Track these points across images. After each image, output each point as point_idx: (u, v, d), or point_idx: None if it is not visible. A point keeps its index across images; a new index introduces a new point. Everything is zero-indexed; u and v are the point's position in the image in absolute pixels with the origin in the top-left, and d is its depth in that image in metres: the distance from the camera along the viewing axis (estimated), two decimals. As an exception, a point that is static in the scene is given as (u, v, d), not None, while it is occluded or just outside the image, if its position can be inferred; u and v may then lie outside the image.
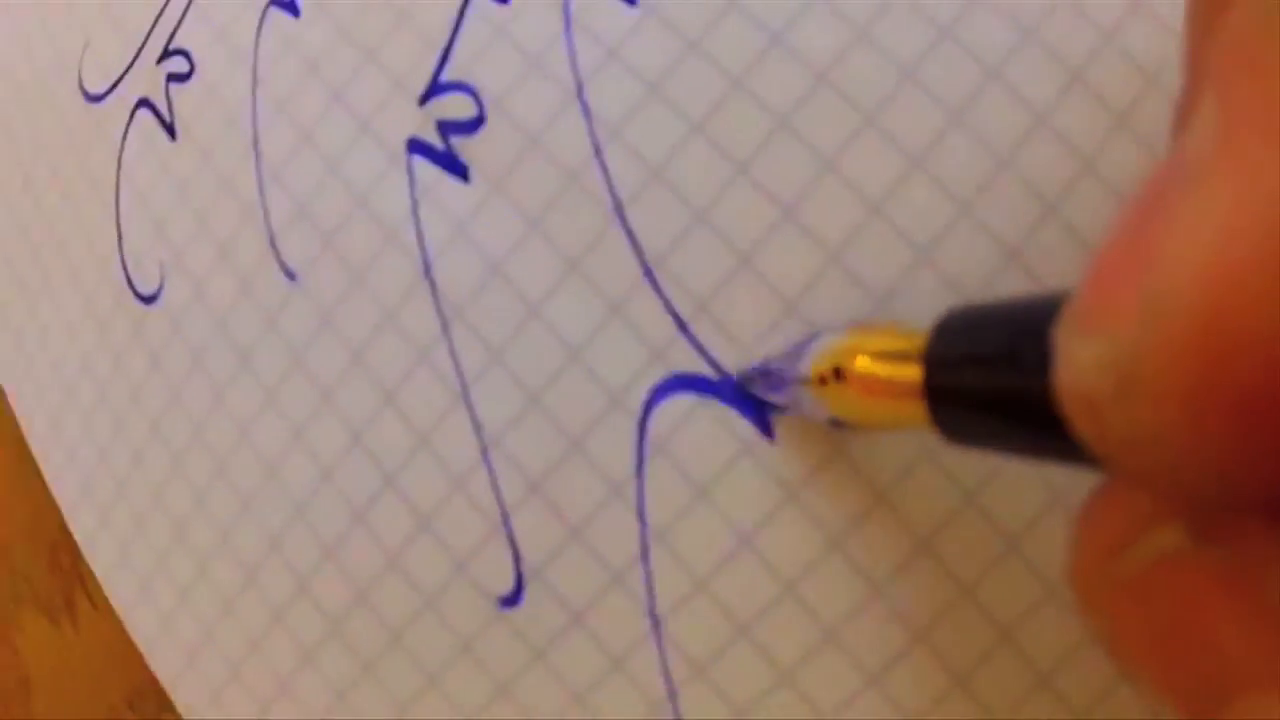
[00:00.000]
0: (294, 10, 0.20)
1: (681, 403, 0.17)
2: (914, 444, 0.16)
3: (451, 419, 0.17)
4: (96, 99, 0.22)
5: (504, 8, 0.18)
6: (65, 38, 0.22)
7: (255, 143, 0.19)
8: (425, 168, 0.18)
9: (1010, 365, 0.12)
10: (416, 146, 0.18)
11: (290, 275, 0.19)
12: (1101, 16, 0.17)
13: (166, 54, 0.21)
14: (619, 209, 0.17)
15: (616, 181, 0.17)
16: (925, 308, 0.16)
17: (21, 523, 0.23)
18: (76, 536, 0.21)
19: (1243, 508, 0.10)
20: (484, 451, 0.17)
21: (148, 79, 0.21)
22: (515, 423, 0.17)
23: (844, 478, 0.16)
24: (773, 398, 0.16)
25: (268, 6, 0.20)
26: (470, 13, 0.18)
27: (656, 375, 0.17)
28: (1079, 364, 0.10)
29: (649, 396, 0.17)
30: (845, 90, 0.17)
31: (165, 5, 0.21)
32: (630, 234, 0.17)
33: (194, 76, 0.20)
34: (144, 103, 0.21)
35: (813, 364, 0.15)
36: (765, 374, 0.16)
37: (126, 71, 0.21)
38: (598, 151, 0.17)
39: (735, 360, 0.17)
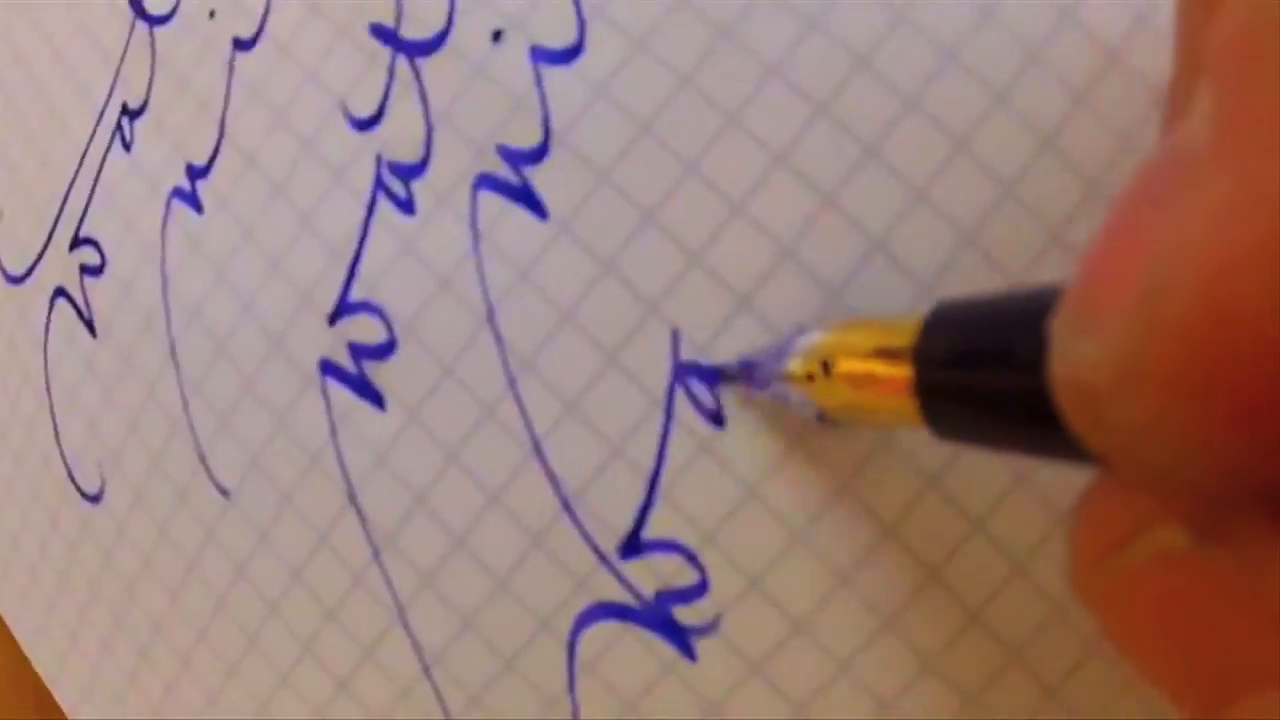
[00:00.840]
0: (197, 206, 0.19)
1: (607, 627, 0.17)
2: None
3: (389, 639, 0.18)
4: (16, 280, 0.21)
5: (410, 220, 0.18)
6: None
7: (173, 351, 0.19)
8: (340, 391, 0.18)
9: (1003, 360, 0.12)
10: (329, 369, 0.18)
11: (224, 492, 0.19)
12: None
13: (77, 242, 0.20)
14: (536, 445, 0.17)
15: (532, 415, 0.17)
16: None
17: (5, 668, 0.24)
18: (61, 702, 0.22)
19: (1243, 501, 0.10)
20: (425, 669, 0.18)
21: (63, 266, 0.21)
22: (451, 642, 0.18)
23: (764, 693, 0.17)
24: (757, 394, 0.17)
25: (170, 198, 0.20)
26: (375, 222, 0.18)
27: (581, 603, 0.17)
28: (1076, 357, 0.10)
29: (575, 623, 0.17)
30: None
31: (72, 183, 0.21)
32: (548, 470, 0.17)
33: (106, 270, 0.20)
34: (61, 292, 0.21)
35: (800, 360, 0.15)
36: (749, 370, 0.16)
37: (41, 254, 0.21)
38: (512, 384, 0.17)
39: (653, 586, 0.17)
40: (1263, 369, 0.08)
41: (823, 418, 0.16)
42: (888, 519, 0.17)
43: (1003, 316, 0.12)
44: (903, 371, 0.13)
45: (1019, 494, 0.16)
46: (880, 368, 0.14)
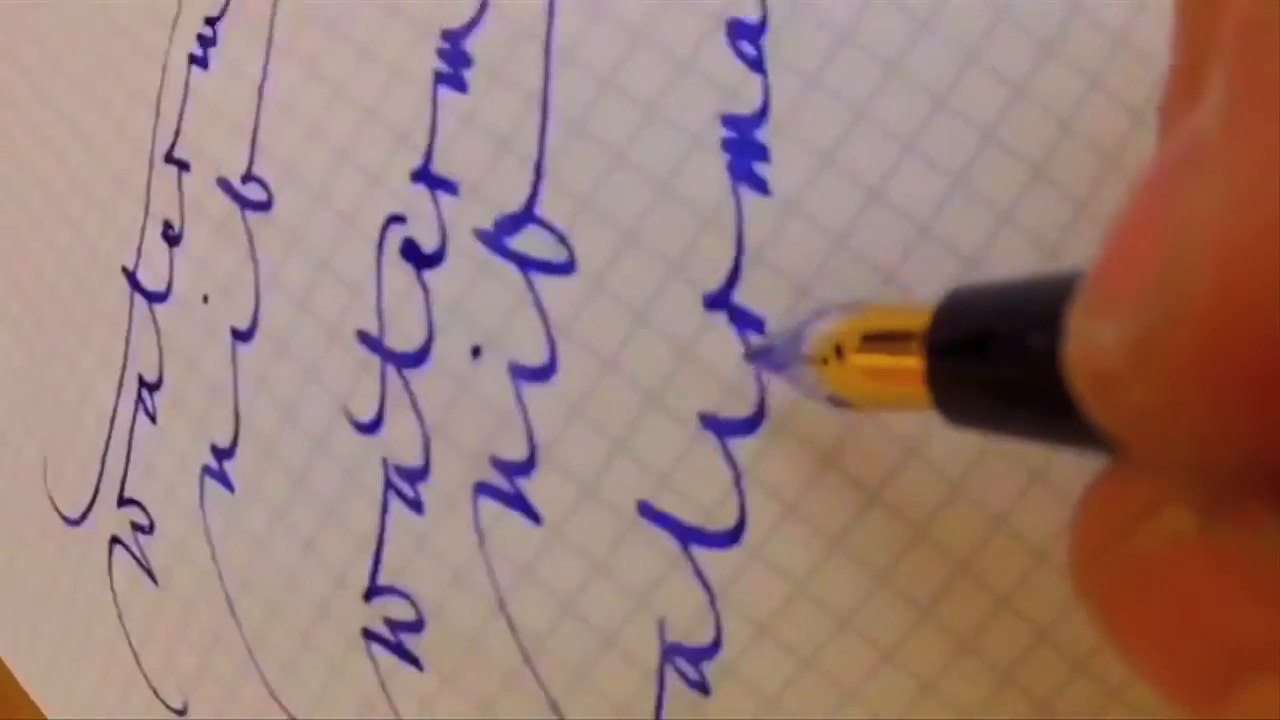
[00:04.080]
0: (228, 485, 0.22)
1: None
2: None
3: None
4: (73, 523, 0.24)
5: (421, 518, 0.20)
6: (28, 451, 0.24)
7: (231, 608, 0.22)
8: (384, 654, 0.21)
9: (1016, 345, 0.12)
10: (371, 636, 0.21)
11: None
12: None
13: (122, 501, 0.23)
14: (554, 707, 0.20)
15: (548, 685, 0.20)
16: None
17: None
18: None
19: (1259, 484, 0.10)
20: None
21: (114, 518, 0.23)
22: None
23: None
24: (778, 375, 0.17)
25: (202, 475, 0.22)
26: (390, 519, 0.21)
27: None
28: (1091, 340, 0.10)
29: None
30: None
31: (107, 446, 0.23)
32: (561, 722, 0.21)
33: (156, 530, 0.23)
34: (117, 540, 0.23)
35: (815, 343, 0.16)
36: (768, 353, 0.17)
37: (91, 506, 0.23)
38: (527, 661, 0.20)
39: None
40: (1277, 350, 0.08)
41: (836, 401, 0.16)
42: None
43: (1016, 302, 0.12)
44: (916, 357, 0.13)
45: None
46: (893, 352, 0.14)
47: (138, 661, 0.24)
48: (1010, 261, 0.18)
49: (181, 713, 0.24)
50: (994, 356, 0.12)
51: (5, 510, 0.25)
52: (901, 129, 0.18)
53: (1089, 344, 0.10)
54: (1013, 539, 0.19)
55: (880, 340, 0.14)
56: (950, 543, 0.19)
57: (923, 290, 0.18)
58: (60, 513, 0.24)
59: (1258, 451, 0.09)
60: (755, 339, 0.18)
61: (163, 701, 0.24)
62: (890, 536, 0.19)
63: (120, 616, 0.24)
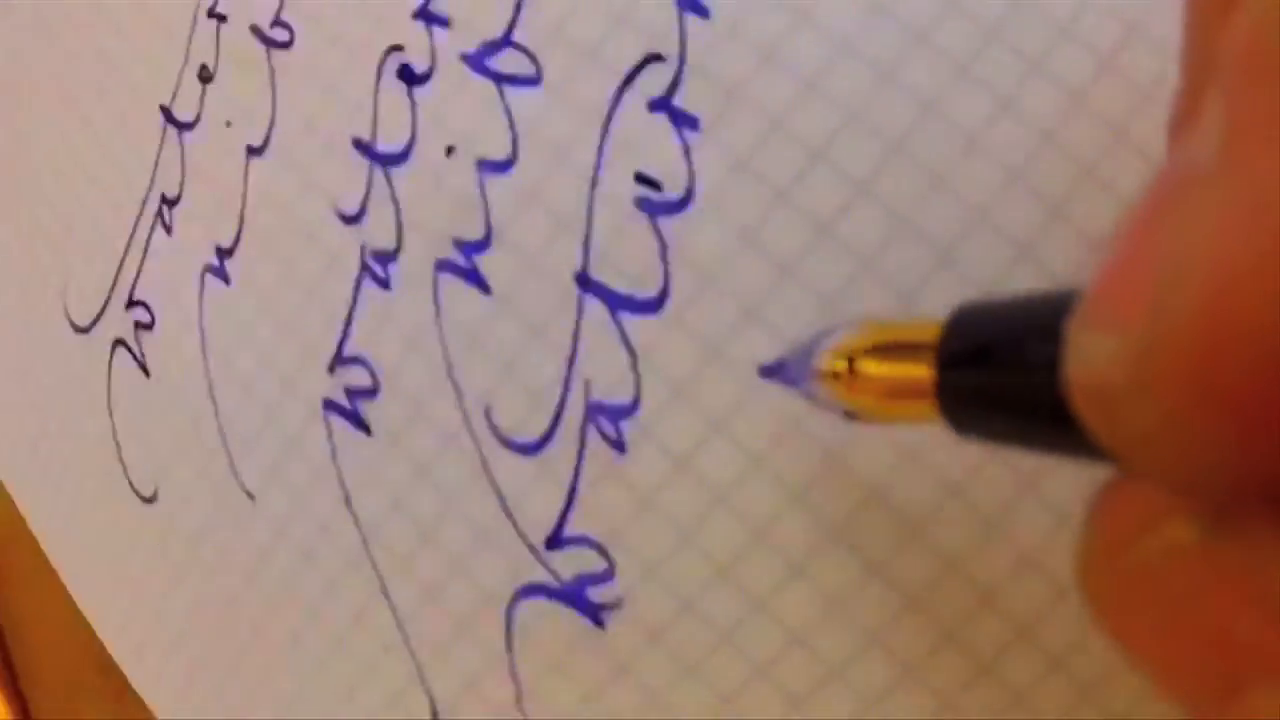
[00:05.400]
0: (225, 279, 0.25)
1: (537, 603, 0.23)
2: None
3: (374, 604, 0.24)
4: (83, 330, 0.27)
5: (388, 294, 0.24)
6: (52, 271, 0.28)
7: (211, 392, 0.25)
8: (339, 421, 0.24)
9: (1021, 361, 0.12)
10: (330, 405, 0.24)
11: (250, 495, 0.25)
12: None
13: (131, 303, 0.26)
14: (484, 465, 0.23)
15: (481, 442, 0.23)
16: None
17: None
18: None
19: (1254, 501, 0.10)
20: (400, 628, 0.24)
21: (121, 321, 0.26)
22: (419, 609, 0.24)
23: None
24: (794, 390, 0.18)
25: (204, 273, 0.25)
26: (362, 295, 0.24)
27: (518, 583, 0.23)
28: (1091, 358, 0.10)
29: (512, 598, 0.23)
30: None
31: (124, 257, 0.26)
32: (493, 482, 0.23)
33: (156, 327, 0.26)
34: (120, 342, 0.26)
35: (826, 359, 0.16)
36: (781, 368, 0.18)
37: (103, 311, 0.27)
38: (466, 421, 0.23)
39: (572, 571, 0.23)
40: (1266, 375, 0.09)
41: (849, 415, 0.17)
42: (761, 522, 0.22)
43: (1022, 318, 0.13)
44: (925, 371, 0.14)
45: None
46: (903, 367, 0.14)
47: (119, 454, 0.27)
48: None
49: (150, 500, 0.26)
50: (1003, 369, 0.13)
51: (23, 332, 0.29)
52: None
53: (1088, 362, 0.10)
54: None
55: (891, 352, 0.15)
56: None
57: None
58: (72, 322, 0.27)
59: (1253, 469, 0.09)
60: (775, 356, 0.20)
61: (136, 491, 0.26)
62: (802, 305, 0.22)
63: (110, 411, 0.27)
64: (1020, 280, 0.21)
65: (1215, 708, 0.10)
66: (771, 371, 0.21)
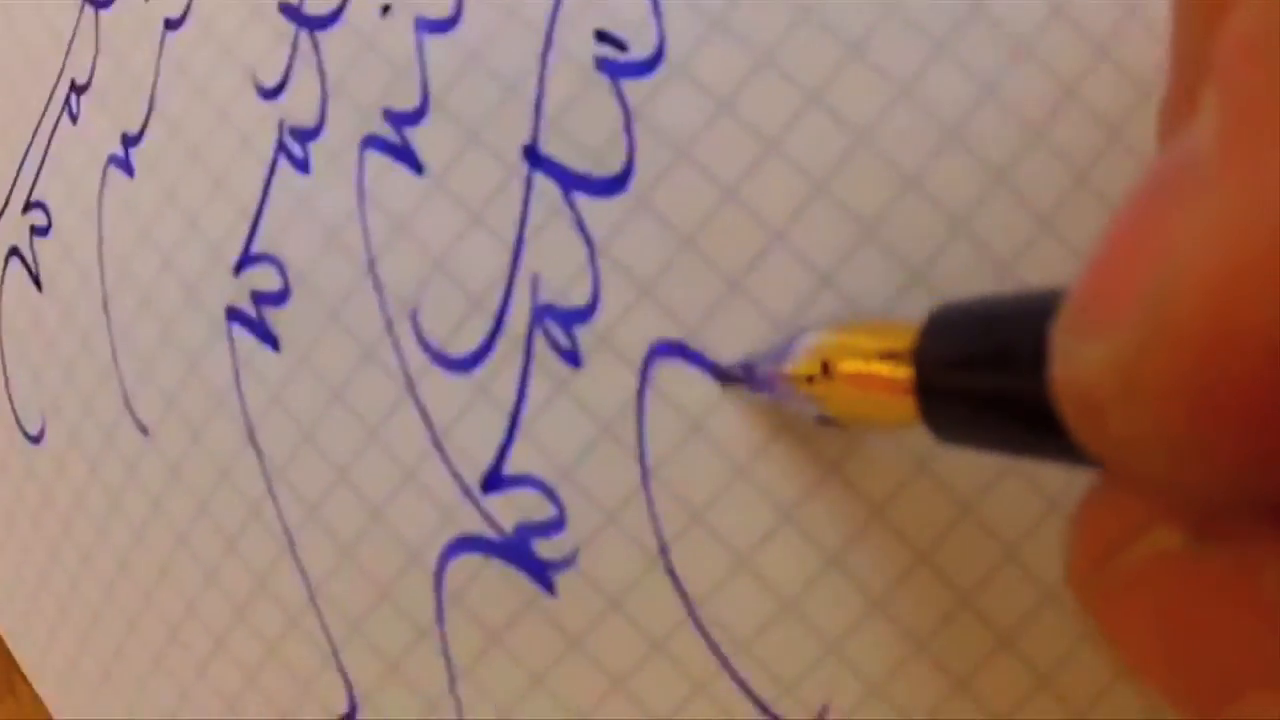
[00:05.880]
0: (129, 170, 0.21)
1: (472, 560, 0.18)
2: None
3: (280, 568, 0.19)
4: (-27, 242, 0.23)
5: (306, 178, 0.19)
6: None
7: (105, 303, 0.21)
8: (244, 335, 0.20)
9: (1004, 363, 0.12)
10: (235, 315, 0.20)
11: (144, 430, 0.21)
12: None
13: (29, 205, 0.22)
14: (410, 384, 0.18)
15: (406, 356, 0.19)
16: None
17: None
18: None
19: (1244, 509, 0.10)
20: (311, 598, 0.19)
21: (15, 228, 0.23)
22: (333, 572, 0.19)
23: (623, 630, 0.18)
24: (760, 395, 0.17)
25: (107, 164, 0.21)
26: (275, 182, 0.20)
27: (448, 536, 0.18)
28: (1077, 363, 0.10)
29: (442, 555, 0.18)
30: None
31: (26, 152, 0.23)
32: (421, 407, 0.18)
33: (52, 231, 0.22)
34: (14, 252, 0.23)
35: (800, 361, 0.15)
36: (750, 371, 0.17)
37: (-1, 216, 0.23)
38: (389, 327, 0.19)
39: (513, 520, 0.18)
40: (1264, 380, 0.08)
41: (823, 420, 0.16)
42: (741, 458, 0.17)
43: (1004, 319, 0.12)
44: (903, 373, 0.13)
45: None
46: (881, 369, 0.14)
47: (5, 384, 0.23)
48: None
49: (36, 439, 0.22)
50: (983, 372, 0.12)
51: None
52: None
53: (1074, 366, 0.10)
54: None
55: (868, 356, 0.14)
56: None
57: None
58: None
59: (1241, 477, 0.09)
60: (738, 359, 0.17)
61: (21, 428, 0.22)
62: (787, 184, 0.17)
63: (0, 335, 0.23)
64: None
65: (1211, 711, 0.10)
66: (733, 376, 0.17)
